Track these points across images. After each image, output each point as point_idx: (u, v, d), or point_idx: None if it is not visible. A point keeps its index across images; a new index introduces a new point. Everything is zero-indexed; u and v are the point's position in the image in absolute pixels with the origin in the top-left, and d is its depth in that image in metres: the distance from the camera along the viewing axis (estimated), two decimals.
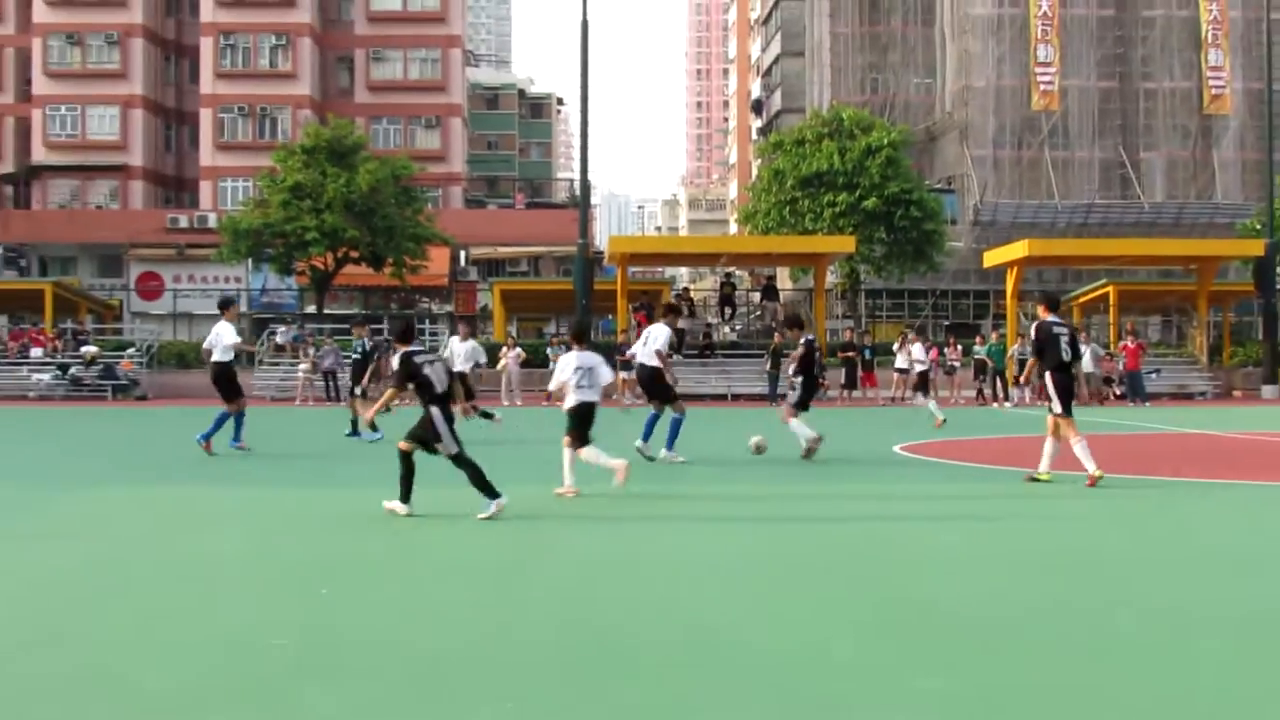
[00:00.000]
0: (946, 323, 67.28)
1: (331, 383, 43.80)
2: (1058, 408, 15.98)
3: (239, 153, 73.91)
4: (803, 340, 20.40)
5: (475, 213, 79.22)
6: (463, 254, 72.97)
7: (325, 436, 25.69)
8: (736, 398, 43.92)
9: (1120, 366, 44.77)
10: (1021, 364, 41.91)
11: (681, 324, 47.95)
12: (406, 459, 12.96)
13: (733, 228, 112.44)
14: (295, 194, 53.16)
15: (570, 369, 14.68)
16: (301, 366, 45.56)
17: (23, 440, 26.31)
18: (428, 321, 56.28)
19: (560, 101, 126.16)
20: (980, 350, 44.69)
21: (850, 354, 43.18)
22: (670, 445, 19.14)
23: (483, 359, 30.81)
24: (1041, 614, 8.33)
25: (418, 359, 12.96)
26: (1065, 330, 16.35)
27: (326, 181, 52.97)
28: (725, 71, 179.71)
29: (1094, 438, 17.26)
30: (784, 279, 65.54)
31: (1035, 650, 7.31)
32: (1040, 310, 16.54)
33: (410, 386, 12.93)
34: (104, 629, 8.06)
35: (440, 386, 12.92)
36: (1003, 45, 70.82)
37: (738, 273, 63.23)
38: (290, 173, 54.00)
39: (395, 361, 13.19)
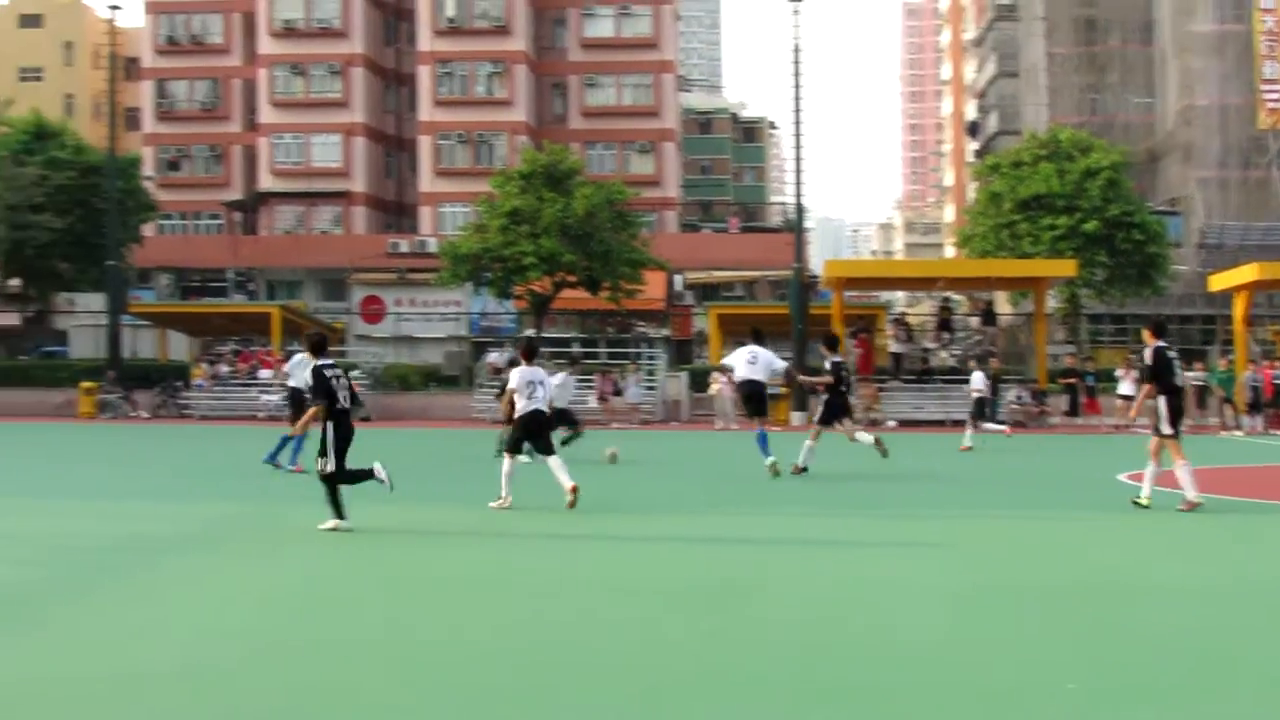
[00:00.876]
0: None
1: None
2: (1167, 429, 16.25)
3: (457, 179, 75.13)
4: (829, 363, 22.11)
5: (690, 237, 79.48)
6: (678, 278, 73.13)
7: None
8: (956, 423, 43.31)
9: None
10: (1254, 390, 40.87)
11: (898, 348, 47.58)
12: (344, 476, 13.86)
13: (949, 251, 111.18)
14: (513, 219, 53.80)
15: (521, 381, 16.33)
16: None
17: (252, 459, 26.98)
18: (644, 345, 56.36)
19: (773, 125, 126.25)
20: (1204, 377, 43.55)
21: (1072, 380, 42.36)
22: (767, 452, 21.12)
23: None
24: (1265, 647, 8.08)
25: (327, 373, 13.82)
26: (1175, 355, 17.09)
27: (543, 206, 53.51)
28: (939, 93, 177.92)
29: None
30: (1003, 303, 64.62)
31: (1268, 687, 7.10)
32: (1148, 336, 17.03)
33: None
34: (333, 641, 8.27)
35: (343, 402, 13.80)
36: (1226, 62, 69.05)
37: (955, 297, 62.47)
38: (508, 198, 54.69)
39: (308, 375, 14.16)
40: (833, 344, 22.71)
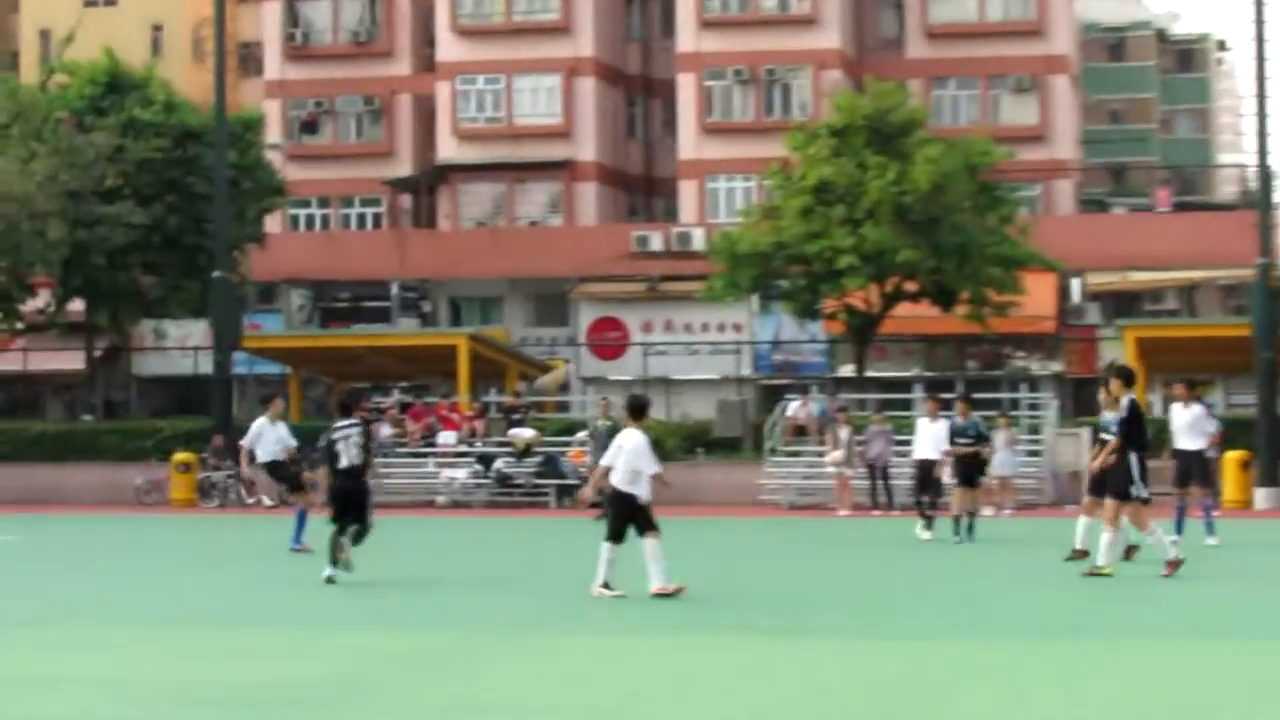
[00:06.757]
0: None
1: (881, 481, 43.99)
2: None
3: (735, 138, 74.93)
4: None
5: (1094, 220, 78.39)
6: (1075, 284, 72.18)
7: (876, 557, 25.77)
8: None
9: None
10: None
11: None
12: None
13: None
14: (820, 198, 53.46)
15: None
16: (831, 457, 45.08)
17: (420, 571, 27.21)
18: (1025, 388, 55.12)
19: (1222, 46, 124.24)
20: None
21: None
22: None
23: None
24: None
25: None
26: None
27: (867, 178, 53.09)
28: None
29: None
30: None
31: None
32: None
33: None
34: None
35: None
36: None
37: None
38: (813, 166, 54.41)
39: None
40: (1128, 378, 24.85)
